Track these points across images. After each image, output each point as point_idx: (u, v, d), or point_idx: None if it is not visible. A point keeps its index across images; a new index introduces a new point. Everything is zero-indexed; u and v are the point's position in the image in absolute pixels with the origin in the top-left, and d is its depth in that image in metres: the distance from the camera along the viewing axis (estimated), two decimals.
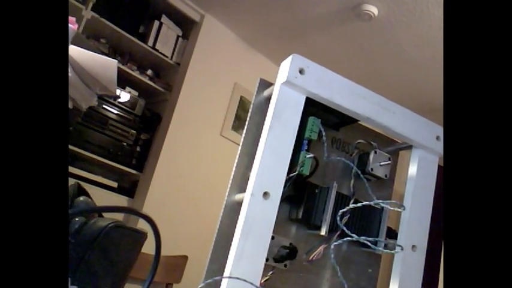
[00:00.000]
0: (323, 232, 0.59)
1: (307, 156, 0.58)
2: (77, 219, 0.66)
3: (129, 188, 2.55)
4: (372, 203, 0.58)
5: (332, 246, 0.58)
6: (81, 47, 0.82)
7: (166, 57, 2.63)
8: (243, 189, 0.56)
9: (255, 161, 0.53)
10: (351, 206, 0.58)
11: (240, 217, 0.51)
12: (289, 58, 0.54)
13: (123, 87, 2.47)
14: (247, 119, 0.62)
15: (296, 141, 0.54)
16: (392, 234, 0.63)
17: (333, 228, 0.60)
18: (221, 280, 0.49)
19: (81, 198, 0.71)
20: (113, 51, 2.54)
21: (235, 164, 0.60)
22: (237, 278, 0.48)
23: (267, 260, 0.53)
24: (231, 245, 0.50)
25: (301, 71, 0.54)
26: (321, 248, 0.61)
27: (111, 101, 2.41)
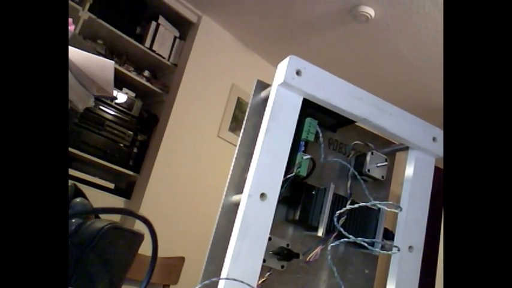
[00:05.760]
0: (320, 233, 0.59)
1: (304, 157, 0.58)
2: (73, 220, 0.66)
3: (126, 189, 2.54)
4: (368, 204, 0.58)
5: (329, 248, 0.58)
6: (78, 48, 0.82)
7: (164, 58, 2.62)
8: (240, 191, 0.56)
9: (252, 162, 0.53)
10: (348, 207, 0.58)
11: (237, 218, 0.51)
12: (286, 59, 0.54)
13: (120, 88, 2.47)
14: (245, 120, 0.62)
15: (293, 142, 0.54)
16: (389, 235, 0.63)
17: (330, 229, 0.60)
18: (218, 281, 0.48)
19: (78, 199, 0.71)
20: (109, 52, 2.53)
21: (232, 165, 0.60)
22: (234, 279, 0.48)
23: (264, 261, 0.53)
24: (228, 246, 0.50)
25: (298, 73, 0.54)
26: (318, 249, 0.61)
27: (108, 102, 2.40)
